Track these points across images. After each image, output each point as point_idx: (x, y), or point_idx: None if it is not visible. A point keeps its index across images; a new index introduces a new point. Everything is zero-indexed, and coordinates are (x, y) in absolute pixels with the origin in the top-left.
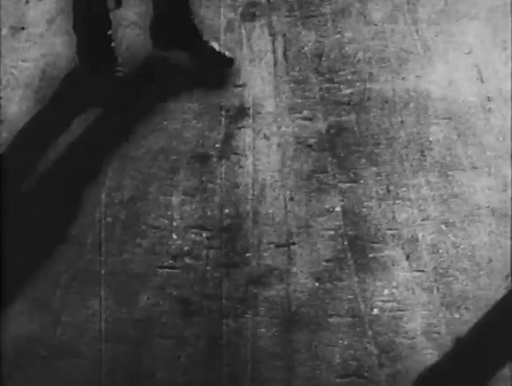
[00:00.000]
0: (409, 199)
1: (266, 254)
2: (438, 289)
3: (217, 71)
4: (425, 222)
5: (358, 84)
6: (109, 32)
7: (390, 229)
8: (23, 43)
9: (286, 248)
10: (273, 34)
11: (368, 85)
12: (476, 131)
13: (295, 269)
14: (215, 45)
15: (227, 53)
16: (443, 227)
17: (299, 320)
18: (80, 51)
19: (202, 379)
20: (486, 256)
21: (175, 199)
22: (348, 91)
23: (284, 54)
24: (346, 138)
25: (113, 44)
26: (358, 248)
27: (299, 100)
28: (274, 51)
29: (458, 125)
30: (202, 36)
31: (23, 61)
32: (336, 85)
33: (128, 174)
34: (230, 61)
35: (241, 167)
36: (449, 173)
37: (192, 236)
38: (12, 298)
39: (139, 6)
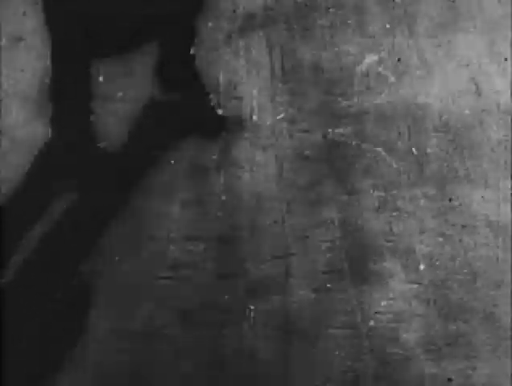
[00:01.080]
0: (406, 211)
1: (263, 265)
2: (435, 301)
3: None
4: (422, 234)
5: (355, 97)
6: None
7: (387, 241)
8: (22, 52)
9: (283, 260)
10: (270, 47)
11: (365, 98)
12: (473, 144)
13: (292, 281)
14: (213, 100)
15: (221, 112)
16: (440, 239)
17: (297, 331)
18: (55, 125)
19: None
20: (483, 268)
21: (173, 210)
22: (346, 103)
23: (282, 66)
24: (343, 150)
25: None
26: (355, 259)
27: (297, 113)
28: (271, 64)
29: (455, 137)
30: (203, 86)
31: (22, 71)
32: (334, 98)
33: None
34: (222, 121)
35: (238, 179)
36: (446, 185)
37: (190, 247)
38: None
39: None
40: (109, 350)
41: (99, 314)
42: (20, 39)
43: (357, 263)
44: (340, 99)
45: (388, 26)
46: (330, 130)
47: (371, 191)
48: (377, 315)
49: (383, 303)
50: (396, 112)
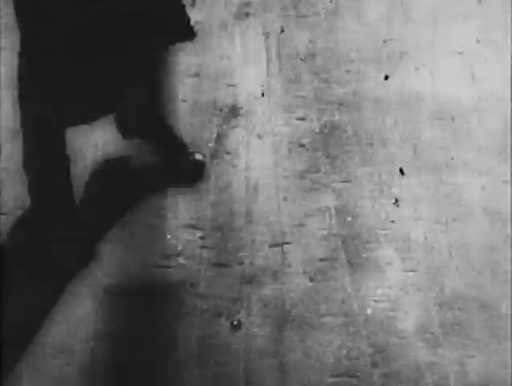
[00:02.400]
0: (402, 199)
1: (259, 253)
2: (431, 288)
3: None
4: (418, 222)
5: (351, 84)
6: (67, 167)
7: (383, 229)
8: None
9: (279, 248)
10: (266, 34)
11: (361, 85)
12: (468, 131)
13: (288, 269)
14: (186, 147)
15: (198, 156)
16: (436, 226)
17: (293, 319)
18: (33, 193)
19: (195, 379)
20: (479, 256)
21: (168, 199)
22: (342, 90)
23: (277, 53)
24: (339, 138)
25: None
26: (351, 247)
27: (293, 100)
28: (267, 51)
29: (451, 124)
30: (174, 135)
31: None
32: (330, 85)
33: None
34: (201, 165)
35: (234, 167)
36: (442, 172)
37: (186, 235)
38: (9, 291)
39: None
40: (104, 336)
41: (95, 300)
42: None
43: (354, 251)
44: (335, 86)
45: (384, 13)
46: (326, 118)
47: (367, 179)
48: (374, 303)
49: (379, 291)
50: (392, 100)
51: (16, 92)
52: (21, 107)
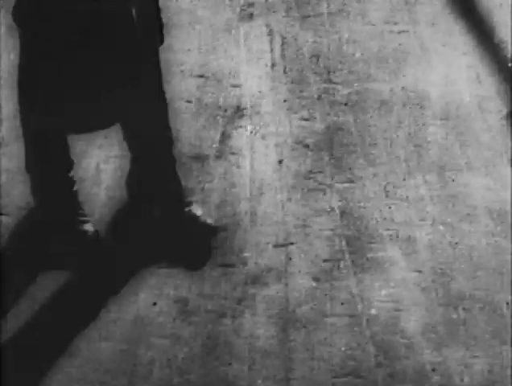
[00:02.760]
0: (406, 200)
1: (263, 254)
2: (435, 289)
3: (198, 241)
4: (422, 222)
5: (356, 85)
6: (71, 174)
7: (388, 229)
8: None
9: (283, 248)
10: (271, 35)
11: (365, 85)
12: (473, 131)
13: (292, 269)
14: (197, 210)
15: (210, 221)
16: (441, 227)
17: (297, 320)
18: (36, 197)
19: (199, 379)
20: (483, 256)
21: None
22: (346, 91)
23: (282, 54)
24: (344, 138)
25: (75, 188)
26: (356, 248)
27: (297, 100)
28: (271, 51)
29: (455, 125)
30: (183, 198)
31: None
32: (334, 85)
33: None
34: (213, 230)
35: (238, 167)
36: (447, 173)
37: None
38: (13, 296)
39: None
40: (109, 338)
41: (99, 302)
42: None
43: (358, 251)
44: (340, 87)
45: (388, 13)
46: (330, 118)
47: (371, 179)
48: (378, 303)
49: (384, 291)
50: (396, 100)
51: (16, 94)
52: (21, 109)
